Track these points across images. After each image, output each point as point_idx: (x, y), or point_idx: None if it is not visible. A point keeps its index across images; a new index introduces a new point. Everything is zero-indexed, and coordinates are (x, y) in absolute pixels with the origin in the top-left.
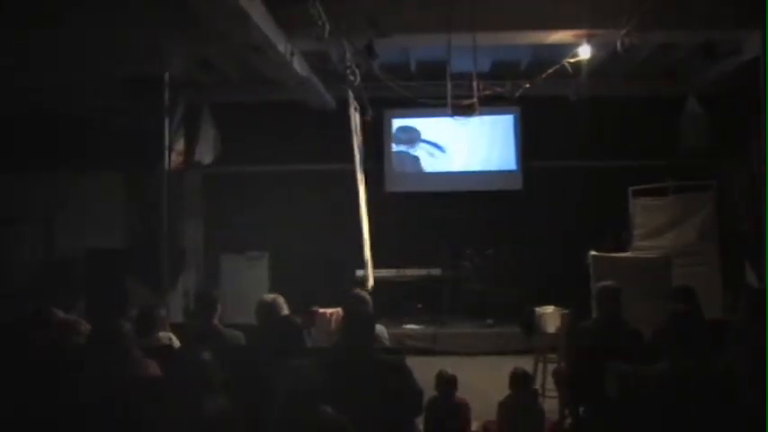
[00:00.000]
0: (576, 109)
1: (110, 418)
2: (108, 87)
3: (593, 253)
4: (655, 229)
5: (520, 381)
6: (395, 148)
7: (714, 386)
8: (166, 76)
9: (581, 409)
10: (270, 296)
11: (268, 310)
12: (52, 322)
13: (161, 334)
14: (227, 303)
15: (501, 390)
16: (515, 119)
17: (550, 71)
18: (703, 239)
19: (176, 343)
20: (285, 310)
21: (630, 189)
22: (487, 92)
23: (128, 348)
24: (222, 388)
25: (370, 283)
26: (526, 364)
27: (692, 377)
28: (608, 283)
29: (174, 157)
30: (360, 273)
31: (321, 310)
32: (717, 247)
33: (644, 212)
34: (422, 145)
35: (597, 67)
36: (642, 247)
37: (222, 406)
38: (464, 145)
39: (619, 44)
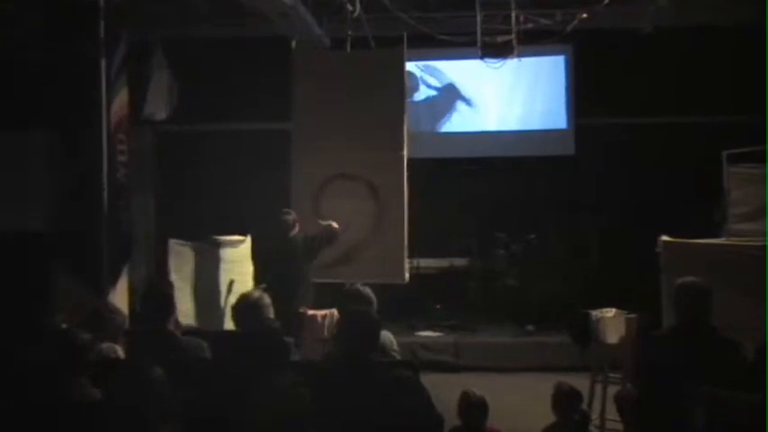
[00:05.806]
0: (651, 46)
1: None
2: (26, 17)
3: (665, 238)
4: (760, 208)
5: (565, 401)
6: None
7: None
8: (102, 1)
9: None
10: (255, 293)
11: (250, 310)
12: None
13: (104, 345)
14: (192, 305)
15: (545, 415)
16: (566, 61)
17: None
18: None
19: (122, 356)
20: (271, 312)
21: (725, 153)
22: (530, 25)
23: (83, 364)
24: (180, 413)
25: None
26: (580, 384)
27: None
28: (692, 279)
29: (115, 111)
30: None
31: (311, 312)
32: None
33: (744, 185)
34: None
35: None
36: (742, 232)
37: None
38: (498, 96)
39: None
